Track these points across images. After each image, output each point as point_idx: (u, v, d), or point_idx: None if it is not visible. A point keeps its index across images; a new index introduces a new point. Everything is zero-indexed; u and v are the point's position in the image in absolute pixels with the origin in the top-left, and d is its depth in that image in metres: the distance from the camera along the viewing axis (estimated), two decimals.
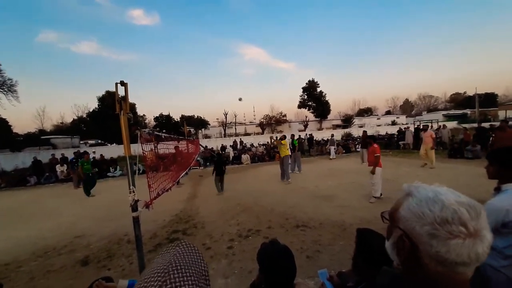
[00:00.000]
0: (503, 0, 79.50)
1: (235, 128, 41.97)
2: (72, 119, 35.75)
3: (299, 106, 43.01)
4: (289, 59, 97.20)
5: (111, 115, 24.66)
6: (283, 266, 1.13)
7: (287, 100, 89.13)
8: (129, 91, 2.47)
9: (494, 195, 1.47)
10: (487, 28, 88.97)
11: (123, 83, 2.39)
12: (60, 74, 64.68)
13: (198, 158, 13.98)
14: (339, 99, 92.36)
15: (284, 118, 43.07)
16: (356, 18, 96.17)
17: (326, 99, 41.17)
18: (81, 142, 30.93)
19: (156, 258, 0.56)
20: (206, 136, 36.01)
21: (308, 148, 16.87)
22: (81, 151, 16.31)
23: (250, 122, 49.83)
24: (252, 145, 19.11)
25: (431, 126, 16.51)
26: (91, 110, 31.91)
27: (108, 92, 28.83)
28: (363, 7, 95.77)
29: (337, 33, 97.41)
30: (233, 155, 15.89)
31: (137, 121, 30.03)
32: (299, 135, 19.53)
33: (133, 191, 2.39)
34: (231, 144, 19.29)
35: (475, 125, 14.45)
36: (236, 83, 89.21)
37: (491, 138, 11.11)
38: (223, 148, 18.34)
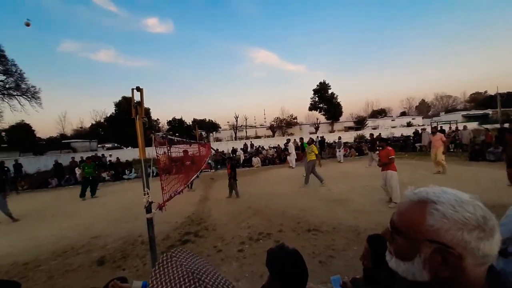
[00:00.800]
0: None
1: (246, 131, 42.19)
2: (90, 124, 37.35)
3: (310, 109, 42.61)
4: (299, 61, 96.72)
5: (127, 120, 25.48)
6: (293, 271, 1.11)
7: (297, 102, 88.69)
8: (144, 96, 2.56)
9: None
10: (508, 24, 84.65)
11: (139, 89, 2.48)
12: (80, 81, 67.95)
13: (210, 161, 14.15)
14: (351, 101, 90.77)
15: (295, 120, 42.84)
16: (367, 18, 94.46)
17: (338, 100, 40.54)
18: (99, 145, 32.19)
19: (159, 270, 0.52)
20: (217, 139, 36.45)
21: (320, 151, 16.62)
22: (99, 154, 17.02)
23: (261, 125, 49.94)
24: (263, 148, 19.10)
25: (441, 128, 15.78)
26: (108, 115, 33.18)
27: (124, 98, 29.91)
28: (375, 6, 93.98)
29: (348, 33, 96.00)
30: (244, 158, 15.95)
31: (151, 125, 30.90)
32: (310, 137, 19.34)
33: (147, 193, 2.46)
34: (242, 147, 19.39)
35: (497, 125, 13.71)
36: (246, 87, 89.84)
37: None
38: (234, 151, 18.45)
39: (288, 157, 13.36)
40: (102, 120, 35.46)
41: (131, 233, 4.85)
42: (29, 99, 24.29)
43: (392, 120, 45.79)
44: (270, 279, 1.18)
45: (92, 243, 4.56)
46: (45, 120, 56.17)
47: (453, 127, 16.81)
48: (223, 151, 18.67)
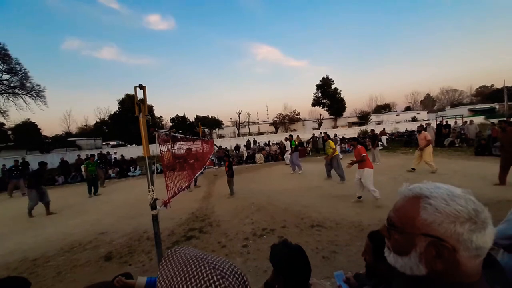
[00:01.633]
0: None
1: (249, 128, 42.19)
2: (95, 122, 37.73)
3: (313, 104, 42.35)
4: (302, 56, 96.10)
5: (130, 117, 25.70)
6: (297, 266, 1.12)
7: (300, 98, 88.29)
8: (147, 93, 2.57)
9: None
10: None
11: (141, 87, 2.48)
12: (83, 79, 68.55)
13: (213, 158, 14.20)
14: (355, 96, 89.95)
15: (298, 116, 42.65)
16: (371, 12, 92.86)
17: (341, 96, 40.21)
18: (103, 143, 32.56)
19: (167, 265, 0.52)
20: (220, 136, 36.53)
21: (323, 146, 16.58)
22: (104, 152, 17.21)
23: (264, 121, 49.92)
24: (265, 144, 19.10)
25: (446, 123, 15.53)
26: (112, 113, 33.47)
27: (127, 95, 30.08)
28: (378, 0, 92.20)
29: (351, 28, 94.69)
30: (246, 154, 15.98)
31: (154, 123, 31.06)
32: (313, 134, 19.28)
33: (152, 190, 2.49)
34: (245, 143, 19.41)
35: (504, 119, 13.47)
36: (249, 83, 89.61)
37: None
38: (237, 147, 18.49)
39: (285, 154, 13.21)
40: (106, 118, 35.79)
41: (136, 229, 4.92)
42: (34, 97, 24.60)
43: (397, 115, 45.32)
44: (273, 274, 1.20)
45: (99, 239, 4.65)
46: (50, 119, 57.07)
47: (459, 122, 16.57)
48: (226, 147, 18.73)
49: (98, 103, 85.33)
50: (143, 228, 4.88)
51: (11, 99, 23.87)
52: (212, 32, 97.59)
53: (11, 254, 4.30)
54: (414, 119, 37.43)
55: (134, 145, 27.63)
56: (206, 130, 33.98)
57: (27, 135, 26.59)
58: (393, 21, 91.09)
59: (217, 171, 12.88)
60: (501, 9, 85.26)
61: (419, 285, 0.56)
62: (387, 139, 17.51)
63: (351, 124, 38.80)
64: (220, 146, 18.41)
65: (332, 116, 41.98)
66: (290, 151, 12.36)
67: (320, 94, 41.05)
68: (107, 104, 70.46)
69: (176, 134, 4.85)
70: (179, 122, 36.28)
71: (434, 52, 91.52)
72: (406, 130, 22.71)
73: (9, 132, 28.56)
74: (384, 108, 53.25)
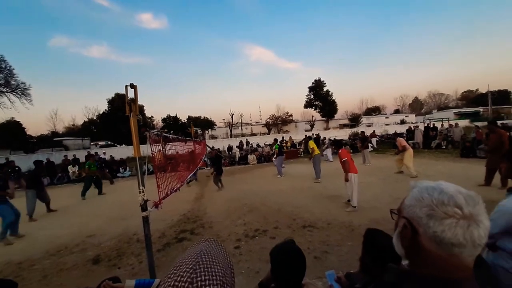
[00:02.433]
0: None
1: (241, 129, 42.11)
2: (83, 121, 36.71)
3: (306, 106, 42.75)
4: (295, 58, 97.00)
5: (120, 117, 25.15)
6: (296, 266, 1.14)
7: (293, 100, 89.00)
8: (138, 93, 2.53)
9: (507, 195, 1.44)
10: (498, 24, 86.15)
11: (132, 86, 2.44)
12: (71, 77, 66.84)
13: (205, 159, 14.08)
14: (346, 98, 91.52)
15: (290, 118, 42.92)
16: (363, 16, 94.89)
17: (333, 98, 40.79)
18: (92, 143, 31.73)
19: (188, 249, 0.59)
20: (213, 137, 36.29)
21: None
22: (92, 152, 16.78)
23: (256, 122, 49.95)
24: (258, 145, 19.11)
25: (433, 125, 16.09)
26: (101, 112, 32.64)
27: (117, 94, 29.43)
28: (370, 5, 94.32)
29: (344, 32, 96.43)
30: (239, 155, 15.94)
31: (145, 123, 30.50)
32: (305, 135, 19.44)
33: (143, 191, 2.45)
34: (238, 144, 19.35)
35: (493, 121, 14.01)
36: (242, 84, 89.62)
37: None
38: (230, 148, 18.41)
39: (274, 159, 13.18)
40: (94, 118, 34.89)
41: (126, 231, 4.82)
42: (19, 96, 23.77)
43: (386, 118, 46.35)
44: (269, 273, 1.22)
45: (86, 242, 4.52)
46: (35, 118, 54.97)
47: (445, 125, 17.11)
48: (218, 148, 18.62)
49: (86, 102, 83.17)
50: (133, 230, 4.78)
51: None
52: (205, 32, 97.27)
53: None
54: (403, 122, 38.37)
55: (123, 145, 27.05)
56: (199, 130, 33.68)
57: (11, 134, 25.60)
58: (383, 26, 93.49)
59: (210, 172, 12.76)
60: (486, 15, 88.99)
61: (405, 278, 0.61)
62: (377, 141, 17.86)
63: (343, 126, 39.44)
64: (213, 147, 18.30)
65: (324, 118, 42.48)
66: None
67: (312, 96, 41.49)
68: (96, 103, 68.67)
69: (168, 135, 4.79)
70: (171, 122, 35.77)
71: (422, 57, 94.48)
72: (395, 132, 23.24)
73: None
74: (374, 110, 54.41)
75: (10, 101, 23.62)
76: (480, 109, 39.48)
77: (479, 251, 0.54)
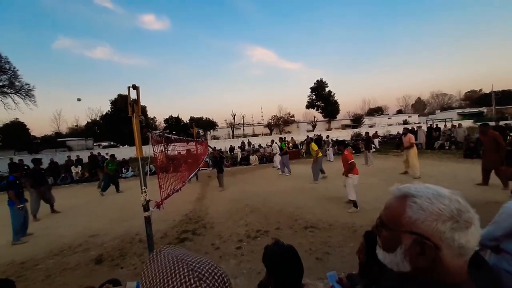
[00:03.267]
0: None
1: (243, 129, 42.16)
2: (86, 122, 36.99)
3: (307, 107, 42.69)
4: (296, 59, 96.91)
5: (123, 118, 25.31)
6: (289, 266, 1.13)
7: (295, 100, 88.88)
8: (140, 94, 2.55)
9: (511, 197, 1.42)
10: (502, 24, 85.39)
11: (135, 87, 2.46)
12: (75, 78, 67.24)
13: (207, 159, 14.11)
14: (348, 99, 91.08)
15: (292, 118, 42.89)
16: (365, 16, 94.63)
17: (335, 99, 40.70)
18: (95, 144, 31.94)
19: (150, 266, 0.52)
20: (215, 137, 36.38)
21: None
22: (95, 153, 16.89)
23: (258, 123, 49.96)
24: (260, 145, 19.11)
25: (436, 126, 15.89)
26: (104, 113, 32.88)
27: (120, 95, 29.64)
28: (372, 5, 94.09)
29: (346, 32, 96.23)
30: (241, 156, 15.95)
31: (148, 124, 30.70)
32: (307, 136, 19.41)
33: (145, 192, 2.46)
34: (239, 145, 19.38)
35: (493, 123, 13.89)
36: (244, 85, 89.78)
37: (508, 137, 10.65)
38: (232, 149, 18.44)
39: (274, 157, 13.11)
40: (97, 118, 35.14)
41: (129, 232, 4.84)
42: (23, 97, 24.01)
43: (389, 118, 46.16)
44: (266, 275, 1.20)
45: (89, 242, 4.55)
46: (39, 118, 55.63)
47: (449, 125, 16.99)
48: (220, 149, 18.65)
49: (89, 103, 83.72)
50: (135, 231, 4.80)
51: None
52: (207, 33, 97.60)
53: None
54: (405, 122, 38.16)
55: (126, 146, 27.21)
56: (201, 131, 33.77)
57: (15, 135, 25.86)
58: (385, 26, 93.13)
59: (211, 172, 12.79)
60: (489, 15, 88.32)
61: (405, 283, 0.58)
62: (379, 141, 17.78)
63: (345, 127, 39.32)
64: (215, 147, 18.34)
65: (326, 119, 42.39)
66: (278, 153, 12.42)
67: (314, 97, 41.44)
68: (99, 104, 69.16)
69: (170, 136, 4.82)
70: (173, 123, 35.94)
71: (425, 57, 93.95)
72: (397, 133, 23.10)
73: None
74: (376, 111, 54.15)
75: (14, 102, 23.88)
76: (484, 109, 39.13)
77: None
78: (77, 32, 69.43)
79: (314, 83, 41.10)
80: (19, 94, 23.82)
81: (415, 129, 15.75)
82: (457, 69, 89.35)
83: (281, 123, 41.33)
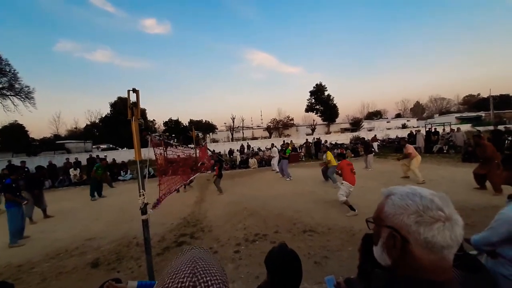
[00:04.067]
0: None
1: (243, 132, 42.16)
2: (85, 124, 36.95)
3: (307, 110, 42.83)
4: (296, 63, 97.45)
5: (122, 121, 25.28)
6: (291, 269, 1.14)
7: (294, 104, 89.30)
8: (140, 97, 2.56)
9: (508, 203, 1.43)
10: (500, 28, 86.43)
11: (134, 90, 2.47)
12: (75, 81, 67.43)
13: (205, 163, 14.08)
14: (348, 103, 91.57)
15: (292, 122, 42.99)
16: (364, 21, 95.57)
17: (334, 102, 40.86)
18: (94, 146, 31.83)
19: (174, 259, 0.58)
20: (214, 141, 36.39)
21: (315, 152, 16.75)
22: (93, 155, 16.85)
23: (258, 126, 50.01)
24: (259, 149, 19.11)
25: (435, 130, 15.93)
26: (103, 116, 32.89)
27: (120, 98, 29.70)
28: (371, 8, 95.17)
29: (345, 36, 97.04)
30: (240, 159, 15.94)
31: (147, 126, 30.68)
32: (306, 139, 19.44)
33: (143, 195, 2.45)
34: (239, 148, 19.37)
35: (491, 127, 13.97)
36: (244, 88, 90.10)
37: (506, 142, 10.71)
38: (231, 152, 18.44)
39: (271, 161, 13.04)
40: (97, 121, 35.11)
41: (126, 235, 4.81)
42: (22, 99, 24.00)
43: (388, 122, 46.27)
44: (267, 277, 1.21)
45: (86, 245, 4.51)
46: (38, 121, 55.57)
47: (447, 129, 17.07)
48: (219, 152, 18.64)
49: (89, 106, 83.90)
50: (133, 234, 4.77)
51: None
52: (208, 37, 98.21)
53: None
54: (404, 126, 38.30)
55: (125, 148, 27.14)
56: (200, 134, 33.77)
57: (14, 137, 25.79)
58: (384, 30, 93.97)
59: (210, 175, 12.76)
60: (487, 20, 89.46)
61: (392, 283, 0.61)
62: (378, 145, 17.82)
63: (344, 130, 39.33)
64: (214, 150, 18.33)
65: (325, 122, 42.49)
66: (277, 158, 12.38)
67: (313, 100, 41.59)
68: (99, 107, 69.10)
69: (170, 142, 4.82)
70: (172, 125, 35.94)
71: (423, 61, 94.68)
72: (396, 136, 23.17)
73: None
74: (375, 115, 54.33)
75: (13, 104, 23.87)
76: (482, 113, 39.35)
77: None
78: (78, 35, 69.79)
79: (314, 87, 41.30)
80: (18, 96, 23.82)
81: (414, 133, 15.83)
82: (456, 73, 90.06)
83: (280, 126, 41.39)
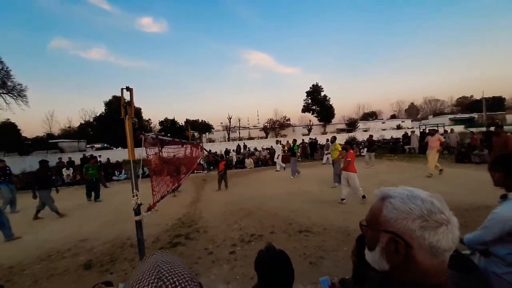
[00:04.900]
0: (509, 3, 78.66)
1: (239, 132, 42.13)
2: (79, 124, 36.44)
3: (303, 110, 42.98)
4: (293, 64, 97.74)
5: (117, 120, 24.97)
6: (280, 271, 1.12)
7: (291, 104, 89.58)
8: (134, 96, 2.52)
9: (500, 203, 1.44)
10: (493, 31, 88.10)
11: (128, 89, 2.44)
12: (69, 79, 66.44)
13: (202, 162, 14.02)
14: (344, 103, 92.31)
15: (288, 122, 43.09)
16: (360, 23, 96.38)
17: (330, 103, 41.11)
18: (88, 146, 31.41)
19: (136, 268, 0.55)
20: (210, 140, 36.25)
21: (311, 152, 16.81)
22: (87, 155, 16.61)
23: (254, 126, 49.97)
24: (256, 149, 19.10)
25: (411, 134, 16.13)
26: (98, 115, 32.49)
27: (114, 97, 29.34)
28: (367, 11, 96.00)
29: (341, 38, 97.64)
30: (236, 159, 15.90)
31: (142, 126, 30.40)
32: (303, 139, 19.50)
33: (136, 195, 2.42)
34: (235, 148, 19.33)
35: (483, 129, 14.21)
36: (240, 88, 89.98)
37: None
38: (227, 152, 18.38)
39: (275, 158, 13.14)
40: (91, 120, 34.67)
41: (120, 236, 4.74)
42: (15, 97, 23.62)
43: (383, 123, 46.72)
44: (257, 280, 1.19)
45: (79, 246, 4.43)
46: (31, 119, 54.38)
47: (441, 130, 17.31)
48: (215, 152, 18.58)
49: (83, 105, 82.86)
50: (126, 235, 4.70)
51: None
52: (204, 36, 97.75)
53: None
54: (399, 127, 38.71)
55: (120, 148, 26.85)
56: (196, 134, 33.61)
57: (6, 136, 25.28)
58: (379, 32, 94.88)
59: (206, 175, 12.72)
60: (480, 22, 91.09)
61: (386, 286, 0.59)
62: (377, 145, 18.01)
63: (340, 131, 39.57)
64: (210, 150, 18.25)
65: (321, 123, 42.71)
66: (280, 154, 12.48)
67: (310, 101, 41.76)
68: (93, 106, 68.35)
69: (164, 138, 4.77)
70: (168, 125, 35.68)
71: (418, 63, 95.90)
72: (391, 137, 23.41)
73: None
74: (371, 115, 54.85)
75: (6, 103, 23.49)
76: (475, 115, 40.01)
77: None
78: (73, 32, 68.74)
79: (310, 87, 41.48)
80: (11, 94, 23.42)
81: (409, 134, 16.00)
82: (449, 75, 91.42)
83: (277, 126, 41.45)
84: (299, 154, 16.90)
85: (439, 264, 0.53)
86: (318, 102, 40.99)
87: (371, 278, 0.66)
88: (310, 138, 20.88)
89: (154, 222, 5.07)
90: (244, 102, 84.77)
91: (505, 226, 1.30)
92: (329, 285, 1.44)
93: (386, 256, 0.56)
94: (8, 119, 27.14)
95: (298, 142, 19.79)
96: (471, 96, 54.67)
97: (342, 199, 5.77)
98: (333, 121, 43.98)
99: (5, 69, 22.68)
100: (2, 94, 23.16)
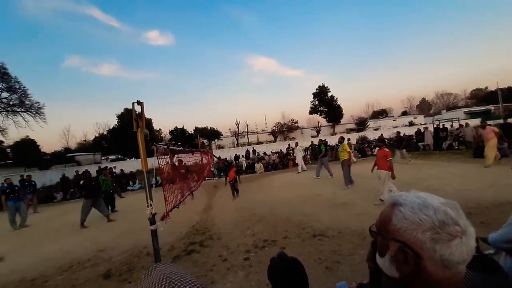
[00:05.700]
0: None
1: (248, 137, 42.26)
2: (94, 137, 37.71)
3: (311, 112, 42.67)
4: (298, 66, 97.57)
5: (129, 131, 25.70)
6: (293, 279, 1.11)
7: (298, 106, 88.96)
8: (145, 107, 2.61)
9: None
10: (504, 21, 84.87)
11: (139, 102, 2.53)
12: (83, 95, 69.22)
13: (213, 169, 14.15)
14: (352, 103, 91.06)
15: (296, 125, 42.86)
16: (365, 19, 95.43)
17: (338, 103, 40.61)
18: (103, 158, 32.45)
19: (140, 282, 0.55)
20: (220, 147, 36.53)
21: (320, 152, 16.60)
22: (103, 166, 17.12)
23: (262, 130, 49.99)
24: (265, 153, 19.09)
25: (443, 126, 15.61)
26: (111, 127, 33.52)
27: (126, 110, 30.21)
28: (373, 7, 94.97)
29: (345, 36, 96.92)
30: (246, 164, 15.93)
31: (153, 137, 31.08)
32: (312, 141, 19.32)
33: (151, 205, 2.48)
34: (244, 153, 19.39)
35: (501, 121, 13.60)
36: (247, 93, 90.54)
37: None
38: (236, 157, 18.48)
39: (296, 161, 13.24)
40: (105, 133, 35.81)
41: (136, 245, 4.84)
42: (33, 115, 24.72)
43: (394, 120, 45.65)
44: None
45: (98, 257, 4.56)
46: (49, 135, 57.00)
47: (455, 125, 16.70)
48: (225, 158, 18.70)
49: (97, 118, 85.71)
50: (142, 244, 4.80)
51: (10, 117, 24.01)
52: (210, 45, 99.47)
53: (10, 274, 4.21)
54: (411, 124, 37.66)
55: (133, 158, 27.53)
56: (205, 141, 33.99)
57: (26, 152, 26.50)
58: (385, 28, 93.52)
59: (217, 182, 12.80)
60: (491, 13, 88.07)
61: None
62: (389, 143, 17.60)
63: (349, 131, 38.96)
64: (219, 157, 18.40)
65: (330, 123, 42.22)
66: (301, 156, 12.58)
67: (317, 102, 41.44)
68: (106, 119, 70.67)
69: (175, 148, 4.88)
70: (178, 134, 36.32)
71: (427, 57, 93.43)
72: (404, 134, 22.78)
73: (8, 150, 28.45)
74: (381, 113, 53.70)
75: (24, 120, 24.61)
76: (491, 107, 38.39)
77: None
78: (85, 50, 71.86)
79: (316, 89, 41.20)
80: (29, 112, 24.57)
81: (422, 130, 15.54)
82: (461, 67, 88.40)
83: (285, 129, 41.33)
84: (308, 156, 16.81)
85: (453, 276, 0.51)
86: (325, 103, 40.62)
87: (384, 284, 0.65)
88: (319, 140, 20.63)
89: (168, 230, 5.14)
90: (251, 107, 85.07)
91: None
92: None
93: (395, 264, 0.55)
94: (28, 136, 28.44)
95: (308, 144, 19.71)
96: (486, 88, 52.69)
97: (381, 200, 5.61)
98: (342, 121, 43.36)
99: (23, 88, 23.89)
100: (20, 113, 24.36)
